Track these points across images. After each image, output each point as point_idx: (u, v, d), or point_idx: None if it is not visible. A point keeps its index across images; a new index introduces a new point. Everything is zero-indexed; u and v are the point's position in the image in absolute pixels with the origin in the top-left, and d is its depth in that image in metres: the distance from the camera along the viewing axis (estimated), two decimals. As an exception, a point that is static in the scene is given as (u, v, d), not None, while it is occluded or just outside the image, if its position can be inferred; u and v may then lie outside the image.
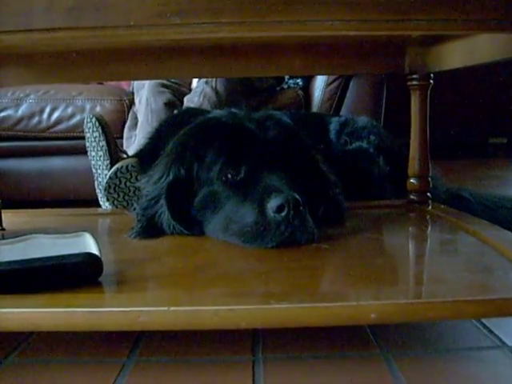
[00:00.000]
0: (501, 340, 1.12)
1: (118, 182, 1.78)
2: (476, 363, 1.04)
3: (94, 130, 1.93)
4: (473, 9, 0.88)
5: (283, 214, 1.18)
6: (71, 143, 2.76)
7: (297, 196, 1.19)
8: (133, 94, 2.84)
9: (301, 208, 1.19)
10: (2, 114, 2.76)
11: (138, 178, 1.72)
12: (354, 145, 2.03)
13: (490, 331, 1.16)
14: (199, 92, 2.54)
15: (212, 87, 2.52)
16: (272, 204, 1.18)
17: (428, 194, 1.68)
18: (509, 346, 1.09)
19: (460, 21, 0.89)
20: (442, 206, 1.64)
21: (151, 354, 1.09)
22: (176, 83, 2.65)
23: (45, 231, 1.24)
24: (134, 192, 1.77)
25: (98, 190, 2.04)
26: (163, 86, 2.58)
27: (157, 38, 1.03)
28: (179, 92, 2.64)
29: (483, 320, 1.20)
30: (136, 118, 2.69)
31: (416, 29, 0.91)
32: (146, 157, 1.73)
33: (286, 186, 1.23)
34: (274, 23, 0.85)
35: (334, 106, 2.74)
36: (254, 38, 1.34)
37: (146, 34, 0.86)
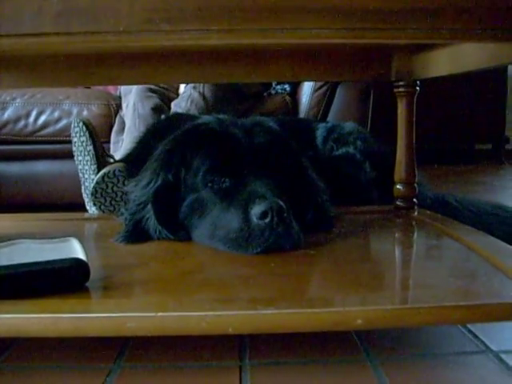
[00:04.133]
0: (485, 345, 1.13)
1: (104, 187, 1.78)
2: (461, 368, 1.05)
3: (82, 134, 1.92)
4: (458, 18, 0.89)
5: (267, 220, 1.18)
6: (58, 147, 2.74)
7: (281, 202, 1.19)
8: (120, 98, 2.83)
9: (285, 214, 1.20)
10: (-12, 117, 2.74)
11: (125, 182, 1.72)
12: (340, 150, 2.04)
13: (475, 336, 1.16)
14: (186, 97, 2.54)
15: (199, 92, 2.52)
16: (256, 210, 1.19)
17: (414, 199, 1.69)
18: (493, 351, 1.10)
19: (446, 30, 0.90)
20: (428, 212, 1.65)
21: (138, 359, 1.09)
22: (163, 88, 2.64)
23: (31, 236, 1.23)
24: (120, 197, 1.77)
25: (84, 195, 2.04)
26: (151, 90, 2.57)
27: (146, 44, 1.04)
28: (167, 97, 2.64)
29: (468, 325, 1.21)
30: (123, 123, 2.68)
31: (402, 37, 0.92)
32: (134, 162, 1.73)
33: (270, 193, 1.24)
34: (262, 31, 0.86)
35: (321, 111, 2.74)
36: (243, 45, 1.34)
37: (135, 40, 0.86)
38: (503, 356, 1.07)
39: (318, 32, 0.86)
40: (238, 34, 0.86)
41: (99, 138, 2.00)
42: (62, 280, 0.98)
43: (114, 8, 0.83)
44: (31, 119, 2.75)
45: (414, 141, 1.65)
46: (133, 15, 0.83)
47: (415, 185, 1.68)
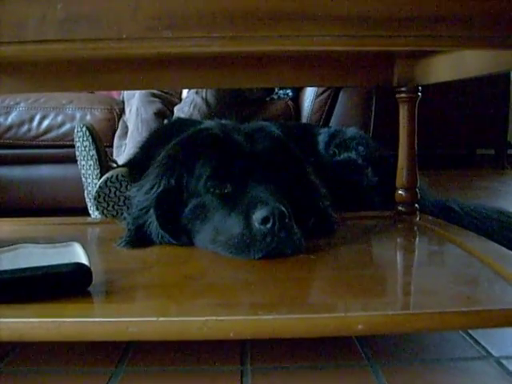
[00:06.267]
0: (487, 350, 1.13)
1: (107, 192, 1.78)
2: (462, 373, 1.05)
3: (85, 139, 1.93)
4: (460, 25, 0.89)
5: (268, 225, 1.19)
6: (61, 152, 2.75)
7: (282, 208, 1.20)
8: (123, 103, 2.84)
9: (286, 220, 1.20)
10: (-8, 121, 2.75)
11: (128, 187, 1.72)
12: (342, 156, 2.04)
13: (476, 342, 1.17)
14: (189, 102, 2.55)
15: (202, 97, 2.53)
16: (257, 216, 1.19)
17: (416, 205, 1.69)
18: (494, 357, 1.10)
19: (447, 37, 0.90)
20: (430, 218, 1.66)
21: (140, 363, 1.09)
22: (166, 93, 2.65)
23: (34, 240, 1.24)
24: (123, 201, 1.77)
25: (87, 199, 2.04)
26: (153, 95, 2.58)
27: (148, 50, 1.04)
28: (169, 102, 2.65)
29: (469, 331, 1.21)
30: (126, 128, 2.69)
31: (403, 45, 0.93)
32: (136, 166, 1.74)
33: (272, 198, 1.24)
34: (265, 38, 0.86)
35: (323, 116, 2.75)
36: (245, 51, 1.35)
37: (137, 47, 0.87)
38: (504, 362, 1.08)
39: (320, 39, 0.87)
40: (240, 42, 0.86)
41: (102, 142, 2.01)
42: (65, 284, 0.99)
43: (116, 15, 0.84)
44: (34, 123, 2.76)
45: (416, 146, 1.66)
46: (136, 22, 0.84)
47: (417, 190, 1.68)
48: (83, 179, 2.00)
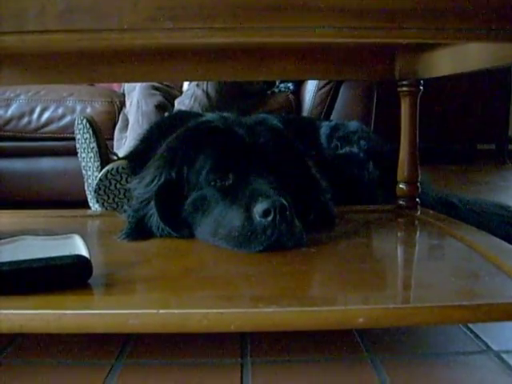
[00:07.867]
0: (487, 345, 1.13)
1: (108, 184, 1.78)
2: (462, 367, 1.05)
3: (85, 131, 1.93)
4: (463, 18, 0.89)
5: (269, 218, 1.18)
6: (61, 144, 2.75)
7: (283, 201, 1.19)
8: (123, 95, 2.84)
9: (287, 212, 1.20)
10: (-8, 114, 2.75)
11: (129, 180, 1.72)
12: (344, 149, 2.04)
13: (477, 336, 1.17)
14: (190, 95, 2.54)
15: (203, 90, 2.53)
16: (258, 208, 1.19)
17: (417, 199, 1.69)
18: (494, 351, 1.10)
19: (450, 30, 0.90)
20: (431, 212, 1.65)
21: (140, 355, 1.09)
22: (167, 86, 2.65)
23: (34, 233, 1.24)
24: (123, 194, 1.77)
25: (87, 192, 2.04)
26: (154, 88, 2.58)
27: (149, 41, 1.04)
28: (170, 94, 2.64)
29: (470, 325, 1.21)
30: (127, 120, 2.69)
31: (406, 37, 0.92)
32: (137, 159, 1.73)
33: (273, 191, 1.24)
34: (266, 29, 0.86)
35: (324, 110, 2.75)
36: (246, 43, 1.34)
37: (138, 37, 0.87)
38: (504, 356, 1.08)
39: (322, 31, 0.86)
40: (242, 33, 0.86)
41: (103, 135, 2.01)
42: (65, 277, 0.99)
43: (117, 6, 0.83)
44: (35, 116, 2.76)
45: (417, 140, 1.65)
46: (136, 13, 0.83)
47: (418, 184, 1.67)
48: (83, 172, 2.00)
